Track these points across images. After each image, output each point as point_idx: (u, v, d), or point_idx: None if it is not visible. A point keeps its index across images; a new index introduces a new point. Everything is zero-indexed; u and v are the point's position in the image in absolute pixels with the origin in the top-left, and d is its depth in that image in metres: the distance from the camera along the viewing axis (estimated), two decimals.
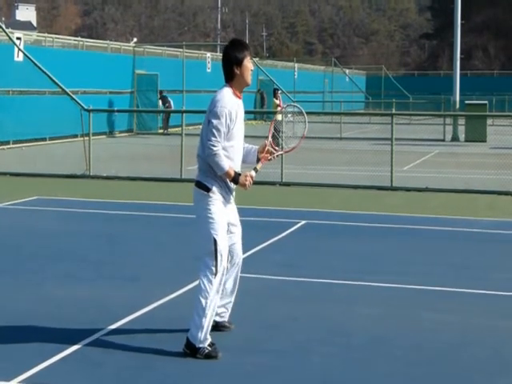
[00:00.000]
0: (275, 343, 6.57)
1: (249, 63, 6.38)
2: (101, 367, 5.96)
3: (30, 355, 6.14)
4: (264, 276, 8.88)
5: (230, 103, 6.28)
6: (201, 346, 6.17)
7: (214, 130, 6.20)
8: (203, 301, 6.19)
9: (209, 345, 6.19)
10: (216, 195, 6.30)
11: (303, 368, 6.02)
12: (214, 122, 6.20)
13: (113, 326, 6.88)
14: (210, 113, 6.25)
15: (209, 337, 6.23)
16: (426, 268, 9.52)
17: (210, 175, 6.30)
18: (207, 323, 6.19)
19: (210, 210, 6.25)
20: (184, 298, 7.93)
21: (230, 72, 6.35)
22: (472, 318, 7.45)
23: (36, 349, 6.30)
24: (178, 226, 12.35)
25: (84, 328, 6.82)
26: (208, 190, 6.28)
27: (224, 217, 6.34)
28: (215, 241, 6.21)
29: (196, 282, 8.39)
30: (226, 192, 6.38)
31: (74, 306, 7.58)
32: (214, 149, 6.18)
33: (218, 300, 6.34)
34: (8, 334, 6.72)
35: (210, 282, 6.21)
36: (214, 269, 6.20)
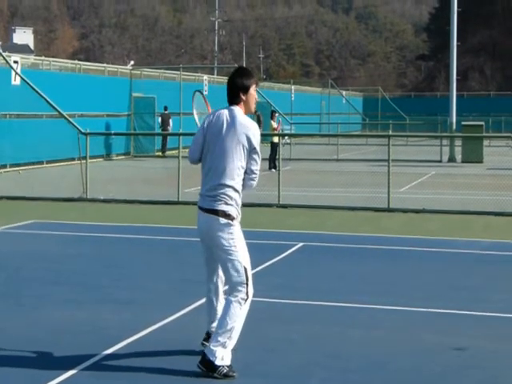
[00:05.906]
0: (272, 366, 6.54)
1: (254, 92, 6.45)
2: None
3: (25, 381, 6.11)
4: (261, 298, 8.83)
5: None
6: (220, 363, 6.16)
7: (259, 158, 6.32)
8: (231, 323, 6.20)
9: (228, 365, 6.20)
10: (236, 221, 6.31)
11: None
12: (259, 150, 6.28)
13: (109, 351, 6.84)
14: (255, 139, 6.22)
15: (229, 357, 6.23)
16: (423, 290, 9.50)
17: (232, 203, 6.28)
18: (231, 344, 6.21)
19: (234, 238, 6.25)
20: (181, 321, 7.91)
21: (236, 97, 6.38)
22: (471, 340, 7.41)
23: (31, 374, 6.26)
24: (176, 248, 12.34)
25: (80, 352, 6.78)
26: (233, 218, 6.27)
27: (243, 239, 6.37)
28: (245, 269, 6.29)
29: (193, 305, 8.41)
30: (239, 215, 6.40)
31: (72, 330, 7.55)
32: (258, 176, 6.33)
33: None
34: (3, 358, 6.67)
35: (240, 306, 6.26)
36: (245, 295, 6.28)
